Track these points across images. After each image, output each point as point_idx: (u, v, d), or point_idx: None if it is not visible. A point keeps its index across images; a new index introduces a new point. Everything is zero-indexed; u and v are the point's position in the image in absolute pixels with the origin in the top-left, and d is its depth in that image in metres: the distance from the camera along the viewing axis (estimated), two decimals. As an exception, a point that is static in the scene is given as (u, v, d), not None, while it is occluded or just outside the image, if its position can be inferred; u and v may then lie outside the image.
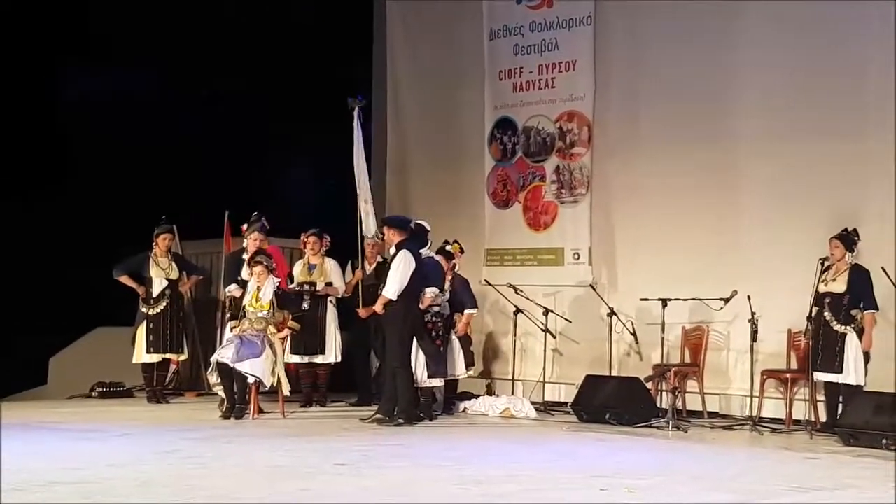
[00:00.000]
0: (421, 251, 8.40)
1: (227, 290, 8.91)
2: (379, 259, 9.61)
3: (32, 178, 10.81)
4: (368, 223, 9.15)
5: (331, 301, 9.47)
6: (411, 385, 8.09)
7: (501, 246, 10.24)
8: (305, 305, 9.08)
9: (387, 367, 8.28)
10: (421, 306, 8.22)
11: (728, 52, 9.04)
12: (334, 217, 9.84)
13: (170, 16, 10.82)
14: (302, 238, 9.58)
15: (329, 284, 9.45)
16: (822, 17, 8.59)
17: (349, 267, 9.58)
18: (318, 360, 9.34)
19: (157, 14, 10.74)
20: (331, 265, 9.49)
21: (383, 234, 9.21)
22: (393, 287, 8.01)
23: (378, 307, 8.13)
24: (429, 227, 8.75)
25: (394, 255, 8.17)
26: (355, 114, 9.31)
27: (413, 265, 8.05)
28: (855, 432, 7.39)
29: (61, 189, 10.94)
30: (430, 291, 8.26)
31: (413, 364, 8.28)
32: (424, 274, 8.16)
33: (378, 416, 8.19)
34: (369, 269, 9.50)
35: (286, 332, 8.58)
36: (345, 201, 9.50)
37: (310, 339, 9.11)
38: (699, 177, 9.17)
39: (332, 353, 9.36)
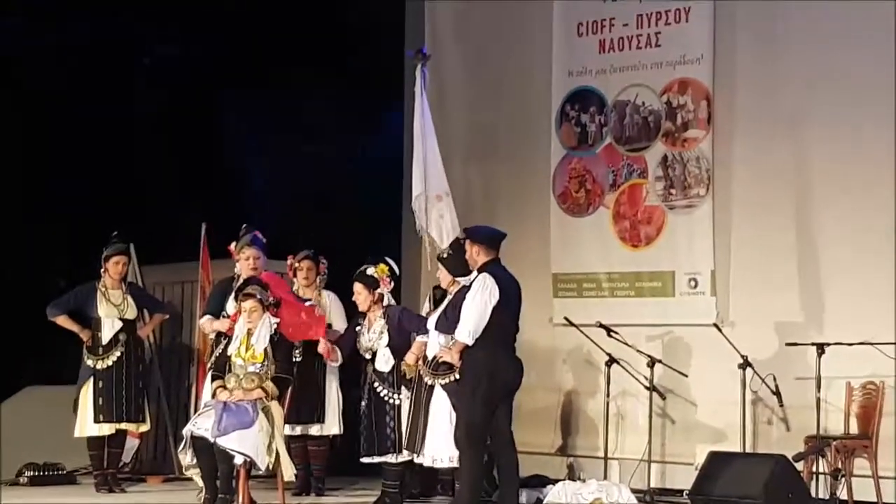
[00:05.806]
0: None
1: (200, 322, 7.76)
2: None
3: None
4: (441, 234, 7.70)
5: None
6: (478, 470, 6.85)
7: (577, 269, 8.56)
8: (297, 356, 7.65)
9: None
10: (408, 360, 7.18)
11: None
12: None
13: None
14: (290, 262, 8.10)
15: (329, 327, 8.02)
16: None
17: (428, 301, 7.94)
18: (314, 430, 7.94)
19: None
20: (329, 300, 8.07)
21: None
22: (467, 326, 6.80)
23: (453, 356, 6.90)
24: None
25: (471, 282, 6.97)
26: (418, 74, 7.79)
27: (496, 296, 6.75)
28: None
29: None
30: (420, 338, 7.20)
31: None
32: (514, 309, 6.93)
33: None
34: None
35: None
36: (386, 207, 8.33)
37: (304, 404, 7.71)
38: (871, 166, 7.46)
39: (333, 422, 8.03)
